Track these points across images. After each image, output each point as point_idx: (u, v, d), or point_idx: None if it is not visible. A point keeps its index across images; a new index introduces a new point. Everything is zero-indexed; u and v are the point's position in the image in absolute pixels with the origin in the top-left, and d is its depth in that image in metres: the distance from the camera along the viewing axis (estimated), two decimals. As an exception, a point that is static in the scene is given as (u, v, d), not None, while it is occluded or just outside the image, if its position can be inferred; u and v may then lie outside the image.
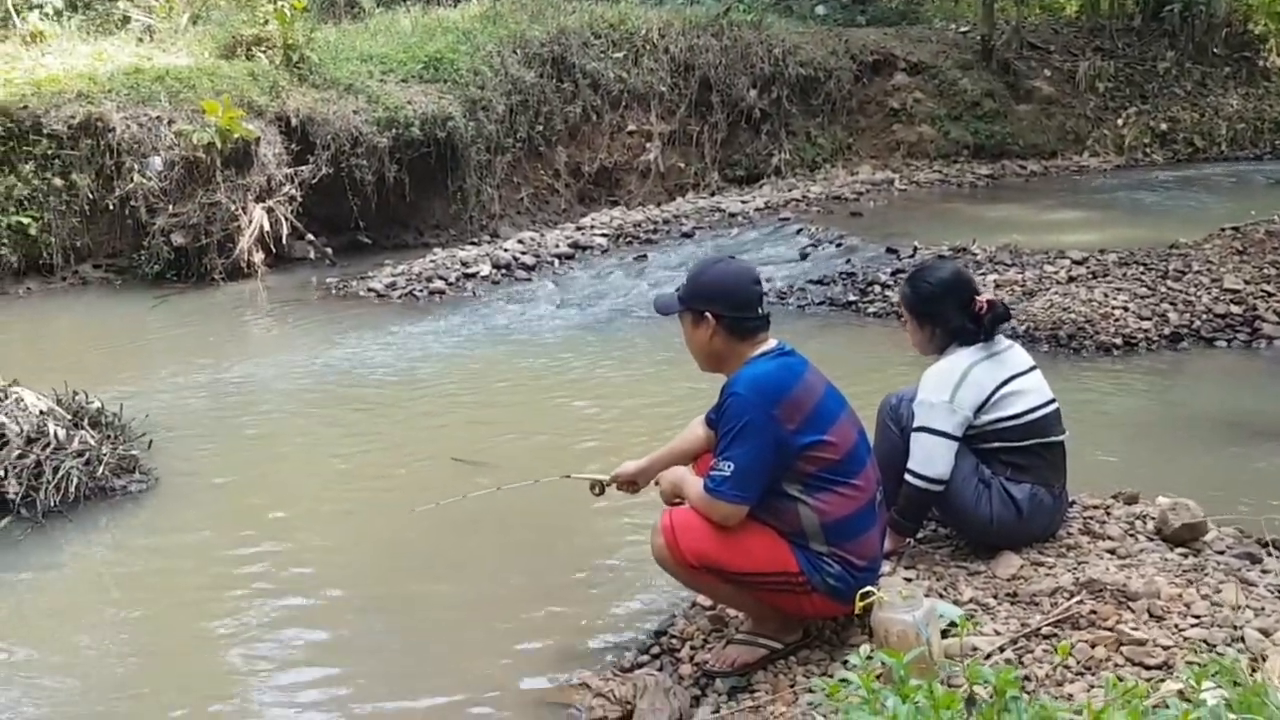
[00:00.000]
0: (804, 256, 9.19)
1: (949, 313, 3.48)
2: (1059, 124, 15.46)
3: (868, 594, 2.73)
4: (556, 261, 9.59)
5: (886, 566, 3.34)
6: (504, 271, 9.25)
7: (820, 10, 15.98)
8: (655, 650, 3.34)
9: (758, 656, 3.08)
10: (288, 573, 4.07)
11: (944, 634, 2.73)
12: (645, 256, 9.51)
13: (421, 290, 8.78)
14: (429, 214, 11.23)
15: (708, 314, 2.98)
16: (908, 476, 3.40)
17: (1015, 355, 3.54)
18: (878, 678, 2.43)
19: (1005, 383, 3.41)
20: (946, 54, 15.39)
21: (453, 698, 3.20)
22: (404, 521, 4.40)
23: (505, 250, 9.74)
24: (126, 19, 13.09)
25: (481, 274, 9.13)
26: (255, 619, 3.72)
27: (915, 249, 8.88)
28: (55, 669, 3.48)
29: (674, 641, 3.36)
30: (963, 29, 16.61)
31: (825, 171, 13.63)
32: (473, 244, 10.44)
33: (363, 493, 4.82)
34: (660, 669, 3.21)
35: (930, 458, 3.36)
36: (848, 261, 8.82)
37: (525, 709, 3.14)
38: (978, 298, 3.50)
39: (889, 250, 9.01)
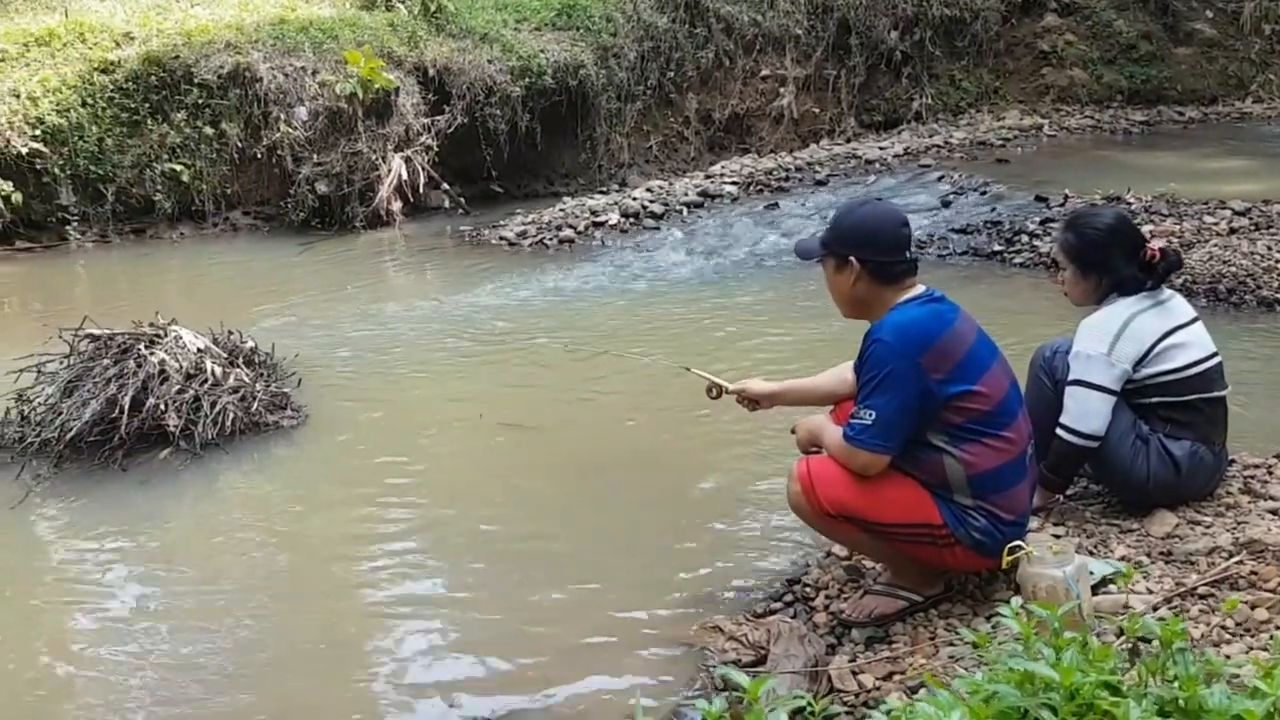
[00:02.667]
0: (946, 204, 8.88)
1: (1115, 260, 3.31)
2: (1220, 68, 14.43)
3: (1016, 548, 2.65)
4: (685, 210, 9.50)
5: (1034, 522, 3.23)
6: (632, 220, 9.23)
7: (967, -52, 15.24)
8: (789, 598, 3.31)
9: (896, 608, 3.01)
10: (429, 511, 4.18)
11: (1094, 591, 2.64)
12: (776, 205, 9.34)
13: (551, 239, 8.84)
14: (559, 163, 11.29)
15: (851, 258, 2.87)
16: (1060, 431, 3.28)
17: (1178, 305, 3.36)
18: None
19: (1168, 334, 3.24)
20: (1101, -8, 14.51)
21: (585, 638, 3.24)
22: (542, 462, 4.49)
23: (634, 199, 9.72)
24: (273, -29, 13.48)
25: (610, 222, 9.13)
26: (396, 556, 3.83)
27: (1066, 197, 8.46)
28: (205, 599, 3.64)
29: (808, 590, 3.32)
30: (1119, -34, 15.62)
31: (969, 117, 13.10)
32: (601, 193, 10.45)
33: (501, 433, 4.90)
34: (794, 616, 3.17)
35: (1085, 413, 3.22)
36: (993, 210, 8.48)
37: (658, 650, 3.14)
38: (1148, 244, 3.30)
39: (1037, 198, 8.62)
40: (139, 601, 3.63)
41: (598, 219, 9.20)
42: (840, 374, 3.21)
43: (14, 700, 3.12)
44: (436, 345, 6.27)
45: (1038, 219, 7.94)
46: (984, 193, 9.09)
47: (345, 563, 3.84)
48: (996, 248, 7.57)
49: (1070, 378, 3.27)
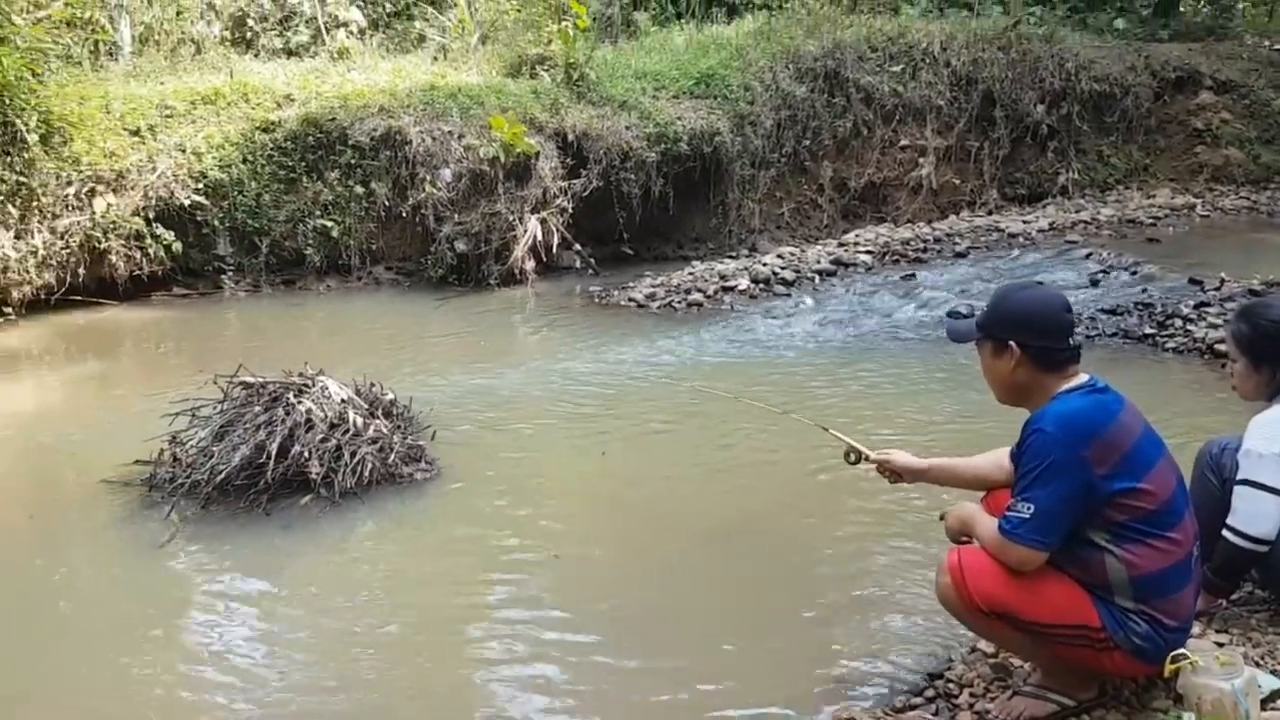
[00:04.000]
0: (1094, 283, 8.58)
1: None
2: (1387, 149, 13.66)
3: (1180, 656, 2.52)
4: (817, 278, 9.43)
5: (1196, 627, 3.02)
6: (762, 286, 9.20)
7: (1119, 24, 14.97)
8: (930, 693, 3.16)
9: (1047, 712, 2.84)
10: (549, 575, 4.15)
11: (1263, 706, 2.50)
12: (913, 276, 9.17)
13: (680, 302, 8.87)
14: (689, 227, 11.37)
15: (1011, 343, 2.76)
16: (1227, 533, 3.10)
17: (1358, 408, 3.12)
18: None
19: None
20: (1259, 72, 14.00)
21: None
22: (665, 529, 4.43)
23: (764, 265, 9.69)
24: (422, 38, 14.14)
25: (740, 288, 9.11)
26: (516, 620, 3.80)
27: (1222, 281, 8.07)
28: (329, 643, 3.70)
29: (951, 686, 3.17)
30: (1278, 45, 15.02)
31: (1118, 193, 12.72)
32: (731, 258, 10.48)
33: (624, 497, 4.88)
34: (935, 714, 3.02)
35: (1255, 515, 3.04)
36: (1144, 291, 8.16)
37: (790, 737, 3.02)
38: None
39: (1191, 281, 8.25)
40: (266, 639, 3.73)
41: (727, 284, 9.20)
42: (997, 459, 3.07)
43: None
44: (564, 403, 6.31)
45: (1192, 302, 7.61)
46: (1134, 272, 8.77)
47: (464, 617, 3.84)
48: (1148, 331, 7.25)
49: (1239, 477, 3.10)
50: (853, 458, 3.30)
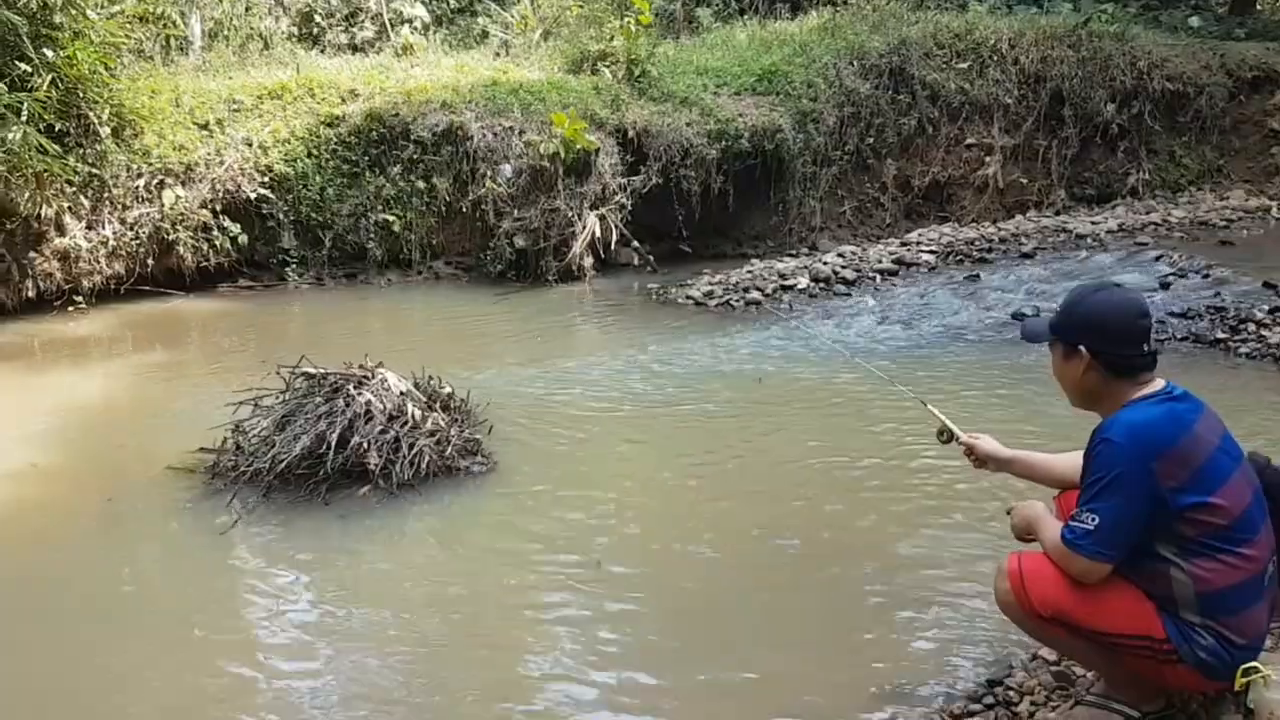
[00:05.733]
0: (1165, 286, 8.36)
1: None
2: None
3: (1251, 669, 2.44)
4: (878, 277, 9.31)
5: (1269, 641, 2.89)
6: (822, 285, 9.11)
7: (1194, 22, 14.56)
8: (989, 700, 3.10)
9: (1110, 723, 2.75)
10: (604, 571, 4.13)
11: None
12: (978, 276, 9.01)
13: (738, 300, 8.82)
14: (749, 225, 11.30)
15: (1082, 347, 2.69)
16: None
17: None
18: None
19: None
20: (1339, 71, 13.50)
21: (768, 720, 3.09)
22: (722, 528, 4.39)
23: (825, 264, 9.60)
24: (485, 34, 14.26)
25: (799, 286, 9.04)
26: (566, 616, 3.80)
27: (1298, 284, 7.82)
28: (380, 630, 3.74)
29: (1011, 694, 3.10)
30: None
31: (1190, 195, 12.40)
32: (790, 256, 10.40)
33: (681, 497, 4.85)
34: (994, 721, 2.95)
35: None
36: (1216, 294, 7.94)
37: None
38: None
39: (1266, 285, 8.01)
40: (324, 625, 3.79)
41: (786, 282, 9.13)
42: (1075, 462, 2.97)
43: (198, 701, 3.32)
44: (621, 399, 6.30)
45: (1266, 307, 7.39)
46: (1206, 275, 8.55)
47: (519, 612, 3.85)
48: (1220, 335, 7.04)
49: None
50: (945, 437, 3.26)
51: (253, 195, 9.45)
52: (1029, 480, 3.17)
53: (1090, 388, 2.72)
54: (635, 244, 10.29)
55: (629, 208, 10.10)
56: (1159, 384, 2.67)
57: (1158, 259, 9.14)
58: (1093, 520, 2.55)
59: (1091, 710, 2.80)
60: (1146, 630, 2.58)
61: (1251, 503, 2.60)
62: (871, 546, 4.21)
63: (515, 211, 9.86)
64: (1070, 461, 2.99)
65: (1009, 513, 2.96)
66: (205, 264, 9.39)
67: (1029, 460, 3.12)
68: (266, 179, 9.54)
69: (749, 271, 9.57)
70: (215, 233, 9.30)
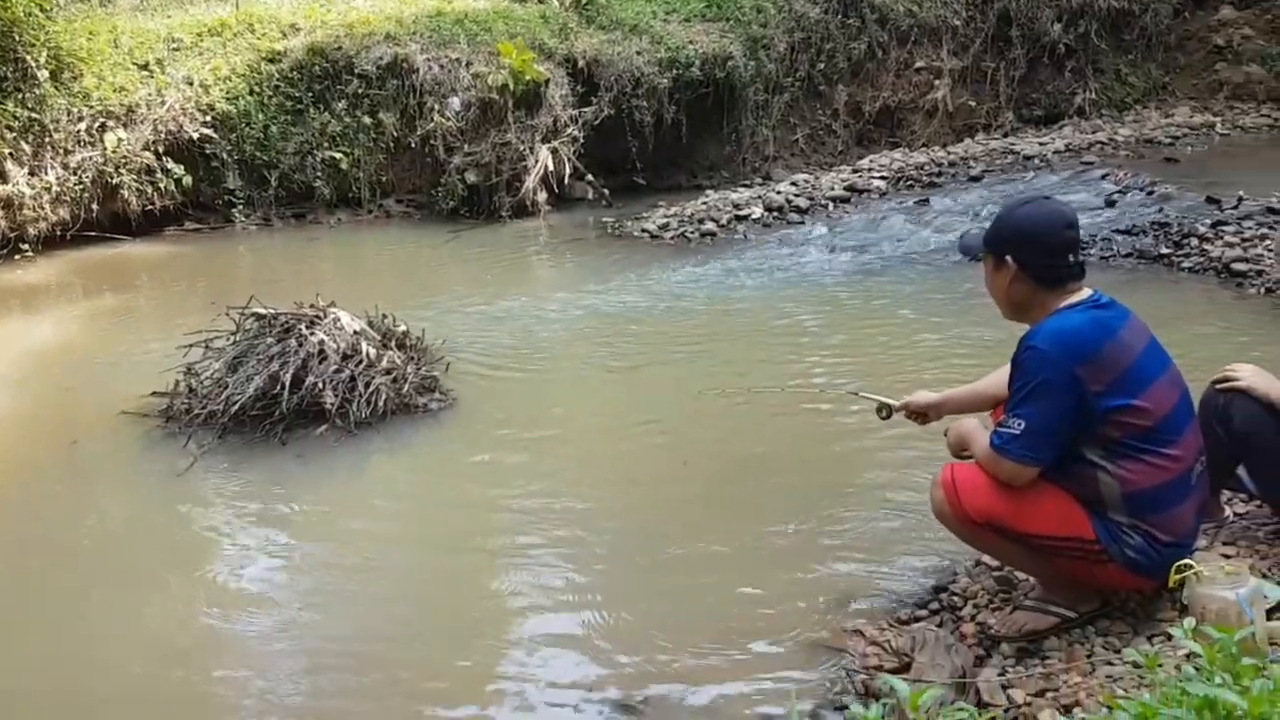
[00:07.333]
0: (1110, 204, 8.48)
1: None
2: None
3: (1185, 567, 2.52)
4: (831, 205, 9.35)
5: (1202, 540, 3.03)
6: (776, 214, 9.14)
7: (1140, -63, 14.49)
8: (934, 605, 3.22)
9: (1048, 624, 2.87)
10: (563, 504, 4.19)
11: (1269, 615, 2.50)
12: (927, 201, 9.08)
13: (693, 232, 8.82)
14: (703, 156, 11.25)
15: (1009, 258, 2.75)
16: None
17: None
18: (1188, 656, 2.21)
19: None
20: (1283, -15, 13.57)
21: (724, 639, 3.20)
22: (679, 459, 4.46)
23: (778, 193, 9.62)
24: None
25: (753, 216, 9.06)
26: (532, 545, 3.87)
27: (1240, 200, 7.96)
28: (346, 568, 3.80)
29: (955, 599, 3.23)
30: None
31: (1136, 113, 12.48)
32: (745, 186, 10.39)
33: (638, 429, 4.92)
34: (940, 625, 3.07)
35: None
36: (1160, 210, 8.06)
37: (796, 652, 3.09)
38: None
39: (1209, 200, 8.14)
40: (288, 565, 3.84)
41: (741, 213, 9.14)
42: (1001, 377, 3.07)
43: (167, 647, 3.35)
44: (578, 335, 6.34)
45: (1209, 222, 7.51)
46: (1151, 192, 8.66)
47: (483, 545, 3.92)
48: (1164, 251, 7.17)
49: None
50: (884, 413, 3.36)
51: (195, 135, 9.24)
52: (970, 411, 3.22)
53: (1019, 298, 2.79)
54: (589, 178, 10.21)
55: (581, 140, 9.99)
56: (1086, 293, 2.74)
57: (1103, 177, 9.24)
58: (1019, 425, 2.63)
59: (1029, 613, 2.91)
60: (1076, 531, 2.68)
61: (1178, 404, 2.68)
62: (822, 471, 4.30)
63: (465, 146, 9.73)
64: (996, 379, 3.07)
65: (946, 433, 3.05)
66: (150, 207, 9.20)
67: (960, 394, 3.21)
68: (209, 118, 9.33)
69: (704, 203, 9.56)
70: (159, 175, 9.10)
